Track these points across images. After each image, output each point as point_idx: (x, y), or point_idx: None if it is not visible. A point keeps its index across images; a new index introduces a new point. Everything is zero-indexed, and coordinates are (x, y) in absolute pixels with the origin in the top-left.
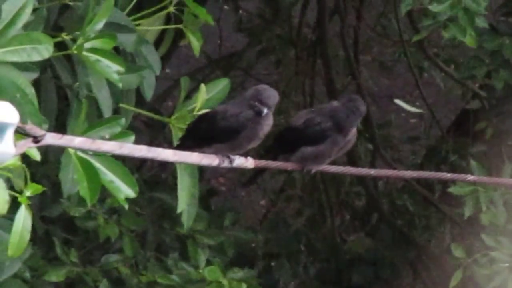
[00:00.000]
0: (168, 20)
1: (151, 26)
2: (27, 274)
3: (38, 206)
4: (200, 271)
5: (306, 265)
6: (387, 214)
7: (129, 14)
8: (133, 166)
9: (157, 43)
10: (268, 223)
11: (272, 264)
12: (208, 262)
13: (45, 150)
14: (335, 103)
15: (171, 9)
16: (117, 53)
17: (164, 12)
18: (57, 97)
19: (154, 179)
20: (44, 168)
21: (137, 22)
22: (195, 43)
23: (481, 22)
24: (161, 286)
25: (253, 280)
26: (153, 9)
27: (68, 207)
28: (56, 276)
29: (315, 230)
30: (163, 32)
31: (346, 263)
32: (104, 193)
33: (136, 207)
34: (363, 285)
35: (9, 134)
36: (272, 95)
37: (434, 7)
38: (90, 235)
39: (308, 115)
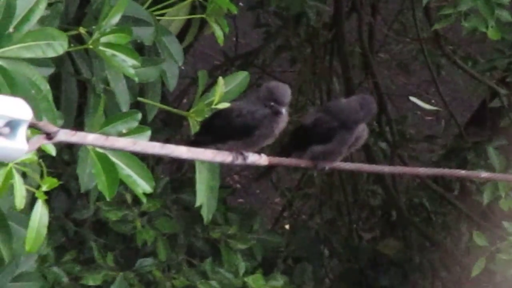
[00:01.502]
0: (193, 8)
1: (176, 16)
2: (65, 279)
3: (67, 208)
4: (245, 279)
5: (326, 267)
6: (406, 212)
7: (152, 5)
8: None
9: (183, 33)
10: (289, 224)
11: (293, 265)
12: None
13: (72, 150)
14: (344, 101)
15: None
16: (138, 45)
17: (189, 1)
18: (78, 91)
19: (179, 179)
20: (71, 168)
21: (161, 12)
22: (219, 32)
23: (504, 15)
24: None
25: (290, 287)
26: None
27: (105, 211)
28: (93, 280)
29: (334, 230)
30: (187, 22)
31: (369, 264)
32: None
33: (165, 210)
34: (388, 287)
35: (22, 130)
36: (286, 92)
37: None
38: (119, 238)
39: (317, 114)
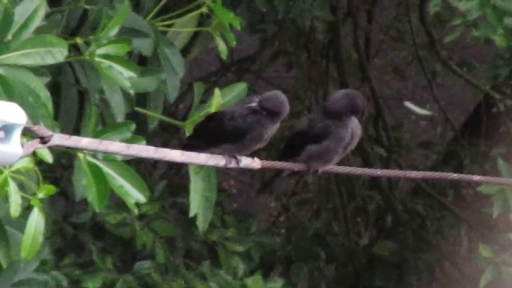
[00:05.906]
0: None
1: (184, 27)
2: (65, 283)
3: (65, 212)
4: (245, 280)
5: (323, 270)
6: (403, 216)
7: (157, 15)
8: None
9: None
10: (285, 226)
11: (291, 267)
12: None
13: (70, 155)
14: (332, 99)
15: (204, 9)
16: (141, 56)
17: (197, 13)
18: (78, 101)
19: (176, 183)
20: (69, 172)
21: (169, 22)
22: (222, 46)
23: (510, 22)
24: None
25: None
26: (185, 9)
27: (104, 214)
28: (92, 283)
29: (330, 233)
30: (195, 33)
31: (365, 266)
32: None
33: (163, 213)
34: None
35: (17, 134)
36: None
37: (463, 4)
38: (117, 241)
39: (310, 116)
